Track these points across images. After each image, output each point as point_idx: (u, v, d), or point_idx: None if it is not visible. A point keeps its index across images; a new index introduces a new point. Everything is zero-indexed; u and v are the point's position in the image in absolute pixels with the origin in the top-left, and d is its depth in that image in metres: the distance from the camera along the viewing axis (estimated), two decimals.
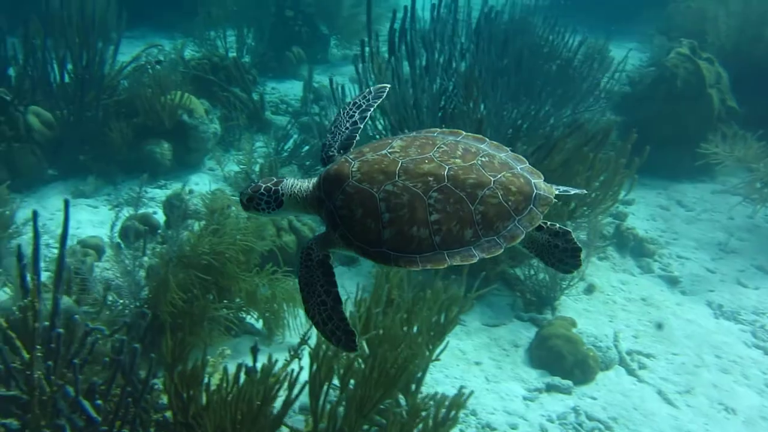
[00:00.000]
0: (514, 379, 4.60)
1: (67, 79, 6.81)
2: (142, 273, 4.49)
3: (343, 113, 2.60)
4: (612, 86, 7.50)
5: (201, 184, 6.73)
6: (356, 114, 2.60)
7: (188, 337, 3.65)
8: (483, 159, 2.23)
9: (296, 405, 3.59)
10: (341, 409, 3.31)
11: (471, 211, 2.13)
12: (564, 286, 5.36)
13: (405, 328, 3.60)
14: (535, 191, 2.20)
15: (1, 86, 6.42)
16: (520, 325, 5.16)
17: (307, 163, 7.03)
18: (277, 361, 3.17)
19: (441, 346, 3.78)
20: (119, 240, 5.03)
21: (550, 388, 4.52)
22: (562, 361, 4.64)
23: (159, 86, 6.78)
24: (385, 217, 2.14)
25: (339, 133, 2.55)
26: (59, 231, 5.58)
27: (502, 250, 2.15)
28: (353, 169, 2.23)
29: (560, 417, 4.28)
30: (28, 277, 2.84)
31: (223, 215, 4.69)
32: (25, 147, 6.28)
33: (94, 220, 6.05)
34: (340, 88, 6.34)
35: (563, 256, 2.33)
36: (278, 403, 3.18)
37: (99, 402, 2.89)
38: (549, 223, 2.33)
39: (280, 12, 10.16)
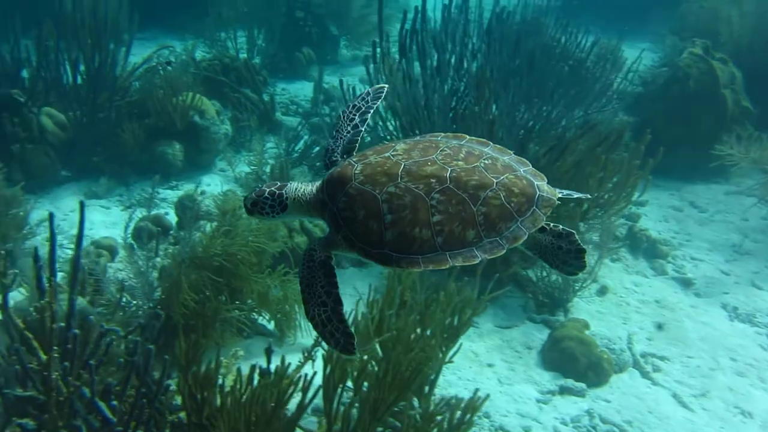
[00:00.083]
0: (527, 382, 4.58)
1: (79, 80, 6.86)
2: (155, 274, 4.50)
3: (344, 117, 2.60)
4: (624, 87, 7.45)
5: (212, 185, 6.75)
6: (356, 117, 2.60)
7: (201, 340, 3.65)
8: (486, 161, 2.23)
9: (309, 406, 3.59)
10: (354, 411, 3.30)
11: (473, 212, 2.14)
12: (577, 287, 5.32)
13: (418, 330, 3.59)
14: (538, 193, 2.20)
15: (14, 88, 6.46)
16: (532, 326, 5.13)
17: (318, 164, 7.04)
18: (290, 364, 3.16)
19: (454, 348, 3.77)
20: (132, 241, 5.05)
21: (563, 391, 4.49)
22: (576, 363, 4.61)
23: (171, 87, 6.81)
24: (387, 218, 2.15)
25: (341, 138, 2.55)
26: (72, 232, 5.64)
27: (505, 251, 2.15)
28: (356, 172, 2.24)
29: (574, 420, 4.25)
30: (44, 278, 2.85)
31: (235, 216, 4.70)
32: (39, 148, 6.33)
33: (106, 221, 6.08)
34: (351, 90, 6.34)
35: (567, 257, 2.32)
36: (292, 405, 3.18)
37: (114, 403, 2.90)
38: (552, 224, 2.33)
39: (290, 13, 10.19)
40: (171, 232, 5.57)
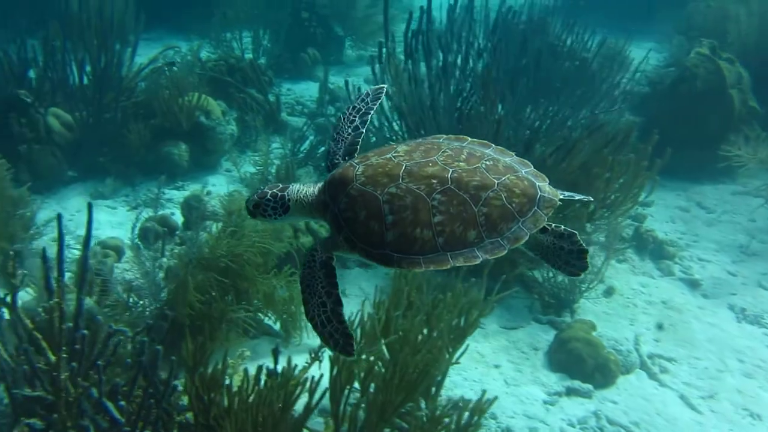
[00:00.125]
0: (533, 383, 4.56)
1: (86, 81, 6.87)
2: (161, 274, 4.51)
3: (344, 119, 2.61)
4: (631, 87, 7.42)
5: (218, 186, 6.75)
6: (357, 119, 2.60)
7: (208, 342, 3.66)
8: (487, 163, 2.24)
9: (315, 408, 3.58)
10: (361, 412, 3.29)
11: (474, 212, 2.14)
12: (583, 288, 5.30)
13: (425, 331, 3.58)
14: (540, 194, 2.21)
15: (21, 88, 6.48)
16: (538, 327, 5.12)
17: (323, 164, 7.02)
18: (296, 366, 3.16)
19: (461, 350, 3.76)
20: (139, 241, 5.06)
21: (570, 392, 4.47)
22: (582, 364, 4.59)
23: (177, 88, 6.82)
24: (388, 219, 2.15)
25: (342, 140, 2.56)
26: (79, 232, 5.67)
27: (506, 251, 2.16)
28: (357, 173, 2.25)
29: (581, 421, 4.23)
30: (53, 279, 2.86)
31: (241, 217, 4.70)
32: (46, 149, 6.35)
33: (112, 221, 6.09)
34: (356, 90, 6.34)
35: (569, 258, 2.31)
36: (298, 406, 3.18)
37: (122, 403, 2.90)
38: (554, 225, 2.32)
39: (295, 13, 10.19)
40: (177, 232, 5.58)
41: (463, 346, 3.76)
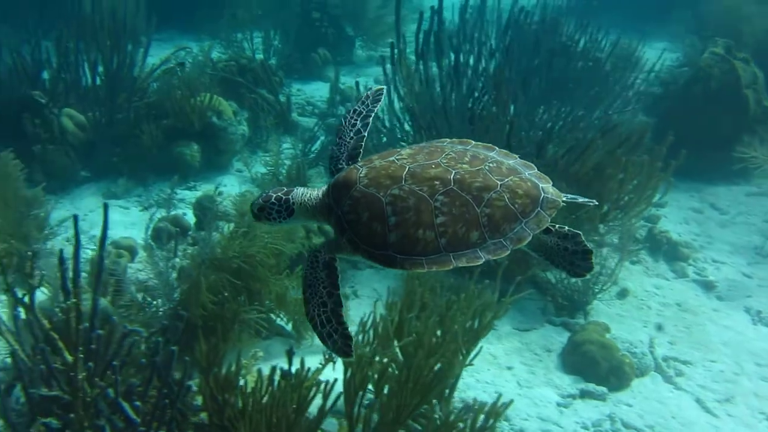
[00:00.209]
0: (547, 385, 4.53)
1: (98, 81, 6.91)
2: (174, 275, 4.52)
3: (346, 122, 2.62)
4: (645, 87, 7.36)
5: (229, 186, 6.76)
6: (358, 122, 2.61)
7: (221, 343, 3.66)
8: (490, 165, 2.25)
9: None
10: (375, 415, 3.28)
11: (477, 213, 2.15)
12: (596, 290, 5.26)
13: (438, 332, 3.56)
14: (543, 194, 2.22)
15: (35, 89, 6.52)
16: (551, 329, 5.09)
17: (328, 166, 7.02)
18: (309, 369, 3.15)
19: (474, 352, 3.73)
20: (152, 242, 5.07)
21: (584, 395, 4.44)
22: (597, 366, 4.56)
23: (188, 88, 6.84)
24: (391, 220, 2.16)
25: (344, 144, 2.57)
26: (93, 232, 5.70)
27: (509, 251, 2.16)
28: (361, 175, 2.27)
29: (595, 424, 4.20)
30: (69, 279, 2.87)
31: None
32: (60, 149, 6.38)
33: (125, 221, 6.11)
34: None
35: (574, 258, 2.31)
36: (312, 408, 3.17)
37: (138, 403, 2.91)
38: (557, 225, 2.32)
39: (306, 14, 10.20)
40: (189, 232, 5.59)
41: (477, 348, 3.74)
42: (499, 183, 2.19)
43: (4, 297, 3.94)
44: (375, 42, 10.83)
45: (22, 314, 3.18)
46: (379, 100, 2.69)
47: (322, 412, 3.11)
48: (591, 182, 5.22)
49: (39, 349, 2.85)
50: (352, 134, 2.58)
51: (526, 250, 2.34)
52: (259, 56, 9.31)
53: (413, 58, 6.18)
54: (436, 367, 3.29)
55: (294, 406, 3.07)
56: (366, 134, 2.59)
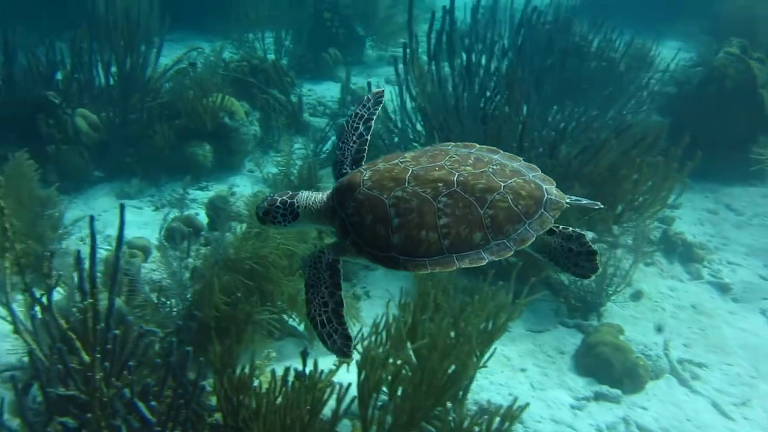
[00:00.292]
0: (560, 387, 4.50)
1: (112, 82, 6.95)
2: (187, 275, 4.53)
3: (348, 126, 2.63)
4: (660, 87, 7.30)
5: (241, 186, 6.78)
6: (360, 125, 2.63)
7: (235, 345, 3.67)
8: (494, 167, 2.26)
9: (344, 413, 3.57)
10: (389, 417, 3.27)
11: (480, 215, 2.16)
12: (610, 292, 5.22)
13: (452, 334, 3.54)
14: (546, 196, 2.22)
15: (50, 90, 6.57)
16: (565, 331, 5.05)
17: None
18: (322, 371, 3.14)
19: (488, 354, 3.71)
20: (165, 242, 5.09)
21: (598, 397, 4.41)
22: (611, 369, 4.52)
23: (201, 88, 6.86)
24: (394, 222, 2.18)
25: (347, 148, 2.59)
26: (107, 232, 5.73)
27: (512, 252, 2.17)
28: (364, 178, 2.28)
29: (610, 427, 4.17)
30: (86, 279, 2.89)
31: None
32: (73, 149, 6.42)
33: (138, 221, 6.14)
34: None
35: (578, 259, 2.31)
36: (326, 409, 3.16)
37: (153, 403, 2.92)
38: (562, 226, 2.32)
39: (318, 14, 10.21)
40: (202, 232, 5.61)
41: (491, 350, 3.72)
42: (502, 184, 2.20)
43: (20, 296, 3.97)
44: (385, 42, 10.83)
45: (39, 314, 3.20)
46: (380, 102, 2.70)
47: (336, 415, 3.10)
48: (605, 183, 5.18)
49: (56, 349, 2.86)
50: (355, 138, 2.60)
51: (529, 251, 2.35)
52: (271, 56, 9.33)
53: (425, 57, 6.16)
54: (450, 370, 3.27)
55: (308, 407, 3.06)
56: (369, 137, 2.61)
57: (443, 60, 6.09)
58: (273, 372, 3.24)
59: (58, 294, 4.19)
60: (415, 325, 3.54)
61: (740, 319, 5.28)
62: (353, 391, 3.20)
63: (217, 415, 3.27)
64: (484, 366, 3.73)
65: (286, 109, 7.92)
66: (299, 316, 4.67)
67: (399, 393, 3.28)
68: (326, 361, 3.34)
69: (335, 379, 3.29)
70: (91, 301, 2.75)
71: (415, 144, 6.33)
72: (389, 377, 3.34)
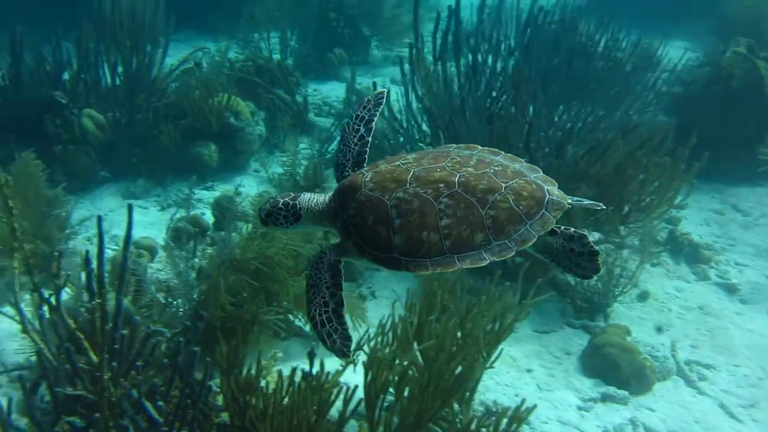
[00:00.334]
0: (567, 388, 4.49)
1: (118, 82, 6.96)
2: (194, 275, 4.54)
3: (349, 129, 2.64)
4: (667, 87, 7.27)
5: (247, 186, 6.79)
6: (361, 127, 2.63)
7: (241, 346, 3.66)
8: (496, 168, 2.27)
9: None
10: (395, 418, 3.27)
11: (481, 215, 2.16)
12: (617, 292, 5.20)
13: (459, 334, 3.53)
14: (548, 196, 2.22)
15: (56, 90, 6.58)
16: (571, 332, 5.04)
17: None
18: (328, 373, 3.14)
19: (495, 354, 3.70)
20: (171, 242, 5.10)
21: (605, 398, 4.39)
22: (618, 370, 4.51)
23: (206, 88, 6.87)
24: (395, 222, 2.19)
25: (349, 151, 2.59)
26: (113, 232, 5.74)
27: (513, 253, 2.17)
28: (366, 180, 2.29)
29: (617, 428, 4.15)
30: (94, 279, 2.89)
31: None
32: (80, 149, 6.44)
33: (144, 221, 6.15)
34: (385, 93, 6.27)
35: (580, 260, 2.31)
36: (333, 410, 3.16)
37: (160, 403, 2.92)
38: (563, 227, 2.32)
39: (323, 14, 10.22)
40: (208, 232, 5.61)
41: (498, 351, 3.71)
42: (503, 185, 2.21)
43: (27, 296, 3.98)
44: (390, 42, 10.82)
45: (47, 313, 3.21)
46: (381, 104, 2.70)
47: (343, 417, 3.09)
48: (611, 183, 5.17)
49: (64, 349, 2.87)
50: (356, 140, 2.61)
51: (531, 252, 2.36)
52: (276, 56, 9.32)
53: (430, 58, 6.15)
54: (457, 371, 3.26)
55: (315, 407, 3.06)
56: (370, 139, 2.61)
57: (449, 60, 6.08)
58: (280, 372, 3.24)
59: (65, 293, 4.21)
60: (422, 325, 3.54)
61: (747, 320, 5.25)
62: (360, 392, 3.20)
63: (224, 415, 3.27)
64: (491, 367, 3.74)
65: (291, 109, 7.93)
66: (305, 316, 4.67)
67: (406, 394, 3.28)
68: (333, 362, 3.34)
69: (342, 379, 3.29)
70: (99, 301, 2.75)
71: (421, 144, 6.32)
72: (396, 378, 3.34)
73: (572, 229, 2.32)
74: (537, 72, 6.07)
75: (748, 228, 6.62)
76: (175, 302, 4.29)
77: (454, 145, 2.49)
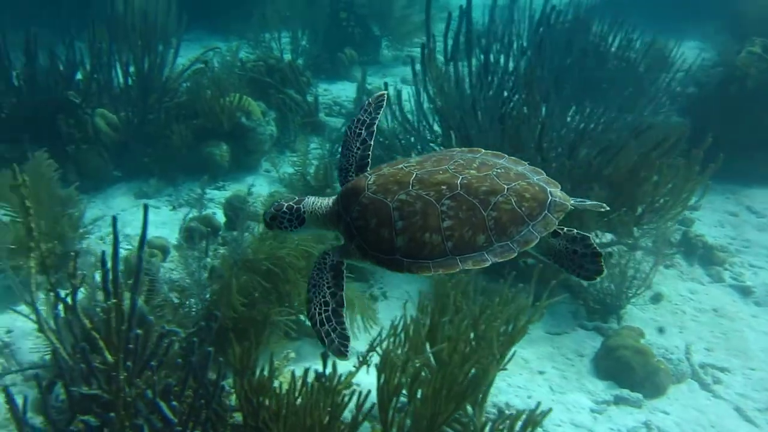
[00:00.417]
0: (580, 390, 4.46)
1: (130, 82, 6.99)
2: (206, 275, 4.55)
3: (351, 133, 2.65)
4: (681, 88, 7.20)
5: (258, 186, 6.79)
6: (363, 131, 2.64)
7: (253, 348, 3.67)
8: (498, 170, 2.28)
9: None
10: (408, 420, 3.25)
11: (483, 217, 2.17)
12: (630, 294, 5.16)
13: (471, 335, 3.51)
14: (550, 198, 2.23)
15: (70, 90, 6.62)
16: (584, 334, 5.00)
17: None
18: (341, 375, 3.13)
19: (508, 356, 3.68)
20: (183, 241, 5.12)
21: (618, 401, 4.36)
22: (631, 372, 4.47)
23: (218, 88, 6.89)
24: (398, 224, 2.20)
25: (352, 155, 2.60)
26: (126, 231, 5.75)
27: (516, 254, 2.18)
28: (369, 183, 2.31)
29: None
30: (110, 280, 2.90)
31: None
32: (93, 149, 6.47)
33: (156, 220, 6.17)
34: (396, 94, 6.26)
35: (583, 261, 2.30)
36: (346, 412, 3.15)
37: (174, 403, 2.93)
38: (566, 228, 2.32)
39: (334, 14, 10.22)
40: (219, 232, 5.63)
41: (511, 353, 3.69)
42: (506, 187, 2.22)
43: (42, 295, 4.00)
44: (401, 42, 10.82)
45: (62, 313, 3.22)
46: (381, 107, 2.71)
47: (356, 421, 3.08)
48: (624, 184, 5.13)
49: (79, 348, 2.88)
50: (358, 144, 2.62)
51: (534, 253, 2.36)
52: (287, 56, 9.34)
53: (441, 57, 6.13)
54: (471, 373, 3.25)
55: (328, 409, 3.06)
56: (372, 143, 2.62)
57: (461, 60, 6.05)
58: (293, 373, 3.24)
59: (79, 293, 4.23)
60: (434, 327, 3.52)
61: (763, 323, 5.20)
62: (373, 394, 3.19)
63: (238, 415, 3.28)
64: (504, 369, 3.72)
65: (302, 108, 7.94)
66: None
67: (419, 396, 3.27)
68: (346, 363, 3.33)
69: (354, 380, 3.29)
70: (115, 301, 2.76)
71: (432, 144, 6.30)
72: (409, 380, 3.33)
73: (575, 230, 2.32)
74: (549, 71, 6.03)
75: (763, 230, 6.55)
76: (187, 302, 4.30)
77: (458, 149, 2.50)
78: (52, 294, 3.17)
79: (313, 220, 2.48)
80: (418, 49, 6.05)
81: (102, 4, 7.12)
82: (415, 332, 3.47)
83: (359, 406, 3.04)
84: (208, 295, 4.36)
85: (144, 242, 3.00)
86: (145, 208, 2.95)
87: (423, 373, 3.33)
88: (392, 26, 10.79)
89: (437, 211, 2.18)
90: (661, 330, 5.05)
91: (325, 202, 2.48)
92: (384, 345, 3.35)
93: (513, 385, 4.45)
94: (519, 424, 3.11)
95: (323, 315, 2.29)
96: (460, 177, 2.22)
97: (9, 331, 4.39)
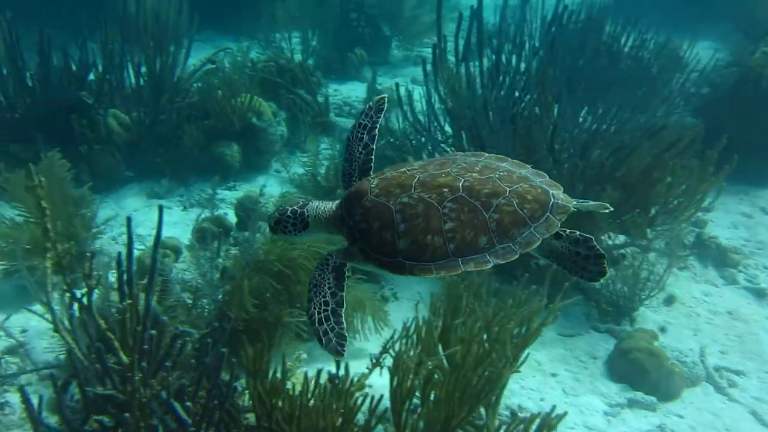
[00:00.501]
0: (593, 393, 4.43)
1: (142, 82, 7.02)
2: (217, 275, 4.55)
3: (353, 137, 2.67)
4: (695, 88, 7.14)
5: (269, 186, 6.81)
6: (365, 135, 2.66)
7: (266, 349, 3.67)
8: (501, 173, 2.29)
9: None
10: (422, 423, 3.24)
11: (485, 219, 2.18)
12: (643, 296, 5.13)
13: (485, 337, 3.49)
14: (552, 200, 2.24)
15: (83, 90, 6.66)
16: (597, 336, 4.97)
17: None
18: (353, 378, 3.12)
19: (521, 359, 3.66)
20: (195, 242, 5.13)
21: (632, 404, 4.33)
22: (645, 375, 4.44)
23: (229, 89, 6.90)
24: (400, 227, 2.21)
25: (355, 160, 2.63)
26: (138, 231, 5.78)
27: (517, 256, 2.19)
28: (372, 186, 2.33)
29: None
30: (125, 281, 2.91)
31: None
32: (106, 149, 6.51)
33: (167, 221, 6.18)
34: (407, 94, 6.24)
35: (586, 263, 2.30)
36: (359, 414, 3.14)
37: (188, 404, 2.93)
38: (569, 230, 2.32)
39: (344, 14, 10.22)
40: (231, 233, 5.63)
41: (524, 355, 3.67)
42: (508, 189, 2.23)
43: (56, 295, 4.03)
44: (411, 42, 10.80)
45: (77, 313, 3.24)
46: (383, 110, 2.73)
47: (369, 424, 3.07)
48: (637, 186, 5.09)
49: (94, 348, 2.89)
50: (360, 148, 2.64)
51: (536, 255, 2.37)
52: (298, 57, 9.35)
53: (452, 58, 6.11)
54: (484, 376, 3.23)
55: (341, 411, 3.05)
56: (374, 146, 2.65)
57: (472, 60, 6.03)
58: (305, 374, 3.23)
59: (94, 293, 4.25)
60: (447, 329, 3.51)
61: None
62: (386, 396, 3.18)
63: (250, 416, 3.28)
64: (517, 371, 3.70)
65: (312, 109, 7.94)
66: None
67: (431, 398, 3.25)
68: (354, 364, 3.33)
69: (367, 381, 3.28)
70: (130, 302, 2.77)
71: (443, 145, 6.28)
72: (422, 382, 3.32)
73: (577, 232, 2.33)
74: (562, 72, 5.99)
75: None
76: (200, 303, 4.31)
77: (462, 153, 2.51)
78: (67, 294, 3.18)
79: (317, 224, 2.51)
80: (428, 50, 6.04)
81: (114, 4, 7.16)
82: (428, 334, 3.46)
83: (372, 409, 3.03)
84: (220, 296, 4.37)
85: (158, 243, 3.01)
86: (160, 209, 2.96)
87: (436, 376, 3.32)
88: (402, 26, 10.78)
89: (439, 213, 2.19)
90: (674, 332, 5.00)
91: (329, 206, 2.50)
92: (396, 347, 3.34)
93: (526, 388, 4.43)
94: (533, 428, 3.09)
95: (322, 314, 2.31)
96: (463, 180, 2.24)
97: (24, 331, 4.43)
